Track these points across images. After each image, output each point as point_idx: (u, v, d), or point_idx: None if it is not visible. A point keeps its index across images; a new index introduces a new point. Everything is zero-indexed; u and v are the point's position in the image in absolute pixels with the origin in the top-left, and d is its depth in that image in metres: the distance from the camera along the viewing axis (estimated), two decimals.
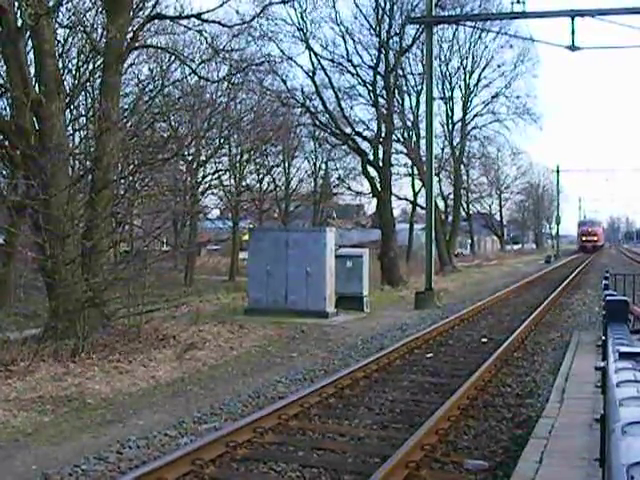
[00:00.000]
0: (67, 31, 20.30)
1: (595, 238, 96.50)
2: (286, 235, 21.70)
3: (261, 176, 41.51)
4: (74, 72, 21.24)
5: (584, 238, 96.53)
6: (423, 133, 37.56)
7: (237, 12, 23.69)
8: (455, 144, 52.35)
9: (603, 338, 5.86)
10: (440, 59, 47.16)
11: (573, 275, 38.84)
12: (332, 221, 52.43)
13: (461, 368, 13.06)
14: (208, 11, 18.67)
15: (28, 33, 15.53)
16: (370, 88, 36.11)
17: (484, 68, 51.21)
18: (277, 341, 16.81)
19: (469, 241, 78.48)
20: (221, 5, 18.93)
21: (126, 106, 22.20)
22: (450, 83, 51.36)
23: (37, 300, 18.24)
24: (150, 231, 17.63)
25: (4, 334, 14.14)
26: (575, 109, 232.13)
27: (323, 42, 35.45)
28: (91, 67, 20.86)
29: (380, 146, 35.56)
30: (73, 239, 14.71)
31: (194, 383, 12.22)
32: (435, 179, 33.34)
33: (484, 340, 16.59)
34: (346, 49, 35.45)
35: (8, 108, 18.61)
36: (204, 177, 34.39)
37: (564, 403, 9.40)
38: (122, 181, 17.17)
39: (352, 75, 36.13)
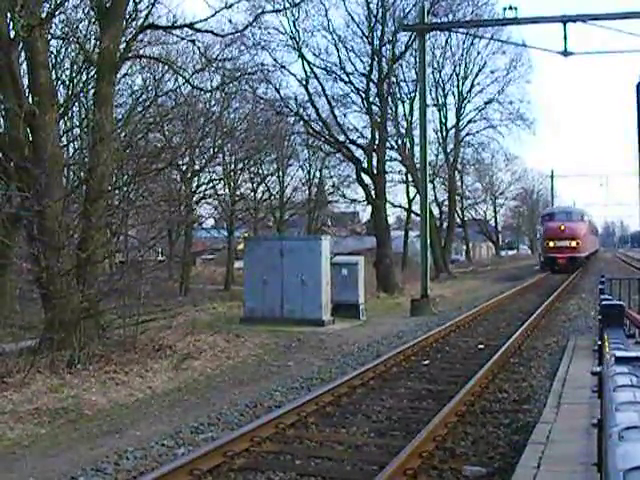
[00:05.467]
0: (60, 42, 20.39)
1: (573, 243, 49.79)
2: (281, 244, 21.71)
3: (255, 185, 41.55)
4: (67, 83, 21.32)
5: (551, 243, 50.20)
6: (417, 140, 37.66)
7: (230, 21, 23.91)
8: (449, 151, 52.48)
9: (599, 343, 5.87)
10: (433, 66, 47.22)
11: (568, 280, 38.82)
12: (327, 229, 52.45)
13: (458, 374, 13.04)
14: (201, 21, 18.68)
15: (21, 44, 15.52)
16: (363, 96, 36.19)
17: (477, 74, 51.42)
18: (273, 350, 16.79)
19: (464, 247, 78.50)
20: (214, 15, 18.96)
21: (120, 116, 22.26)
22: (443, 90, 51.55)
23: (33, 311, 18.18)
24: (145, 241, 17.61)
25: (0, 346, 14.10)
26: (569, 114, 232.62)
27: (316, 50, 35.59)
28: (84, 78, 20.95)
29: (374, 153, 35.61)
30: (68, 250, 14.68)
31: (191, 393, 12.20)
32: (429, 186, 33.34)
33: (481, 346, 16.58)
34: (339, 57, 35.59)
35: (2, 120, 18.60)
36: (198, 186, 34.43)
37: (561, 408, 9.39)
38: (116, 191, 17.16)
39: (345, 83, 36.25)
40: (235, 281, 36.05)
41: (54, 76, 19.25)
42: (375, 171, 35.34)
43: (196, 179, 33.91)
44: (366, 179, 36.02)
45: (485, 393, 11.47)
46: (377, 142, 35.62)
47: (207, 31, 19.58)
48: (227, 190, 37.31)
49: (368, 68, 35.51)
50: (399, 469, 7.33)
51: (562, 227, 50.13)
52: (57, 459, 8.46)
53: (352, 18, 35.51)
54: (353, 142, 36.40)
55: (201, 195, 35.01)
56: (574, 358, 13.63)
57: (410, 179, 44.60)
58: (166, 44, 24.55)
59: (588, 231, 55.32)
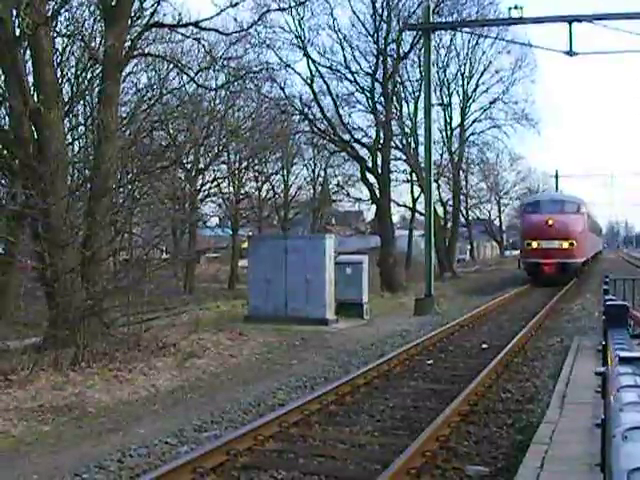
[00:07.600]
0: (65, 40, 20.37)
1: (565, 244, 36.74)
2: (285, 242, 21.70)
3: (260, 183, 41.61)
4: (72, 81, 21.31)
5: (535, 244, 37.35)
6: (422, 139, 37.60)
7: (235, 20, 23.83)
8: (454, 150, 52.41)
9: (603, 343, 5.87)
10: (438, 65, 47.25)
11: (572, 281, 38.59)
12: (331, 228, 52.47)
13: (461, 374, 13.04)
14: (206, 19, 18.67)
15: (26, 42, 15.54)
16: (368, 95, 36.25)
17: (482, 74, 51.40)
18: (277, 348, 16.79)
19: (468, 247, 78.42)
20: (219, 13, 18.94)
21: (125, 114, 22.24)
22: (448, 89, 51.50)
23: (37, 309, 18.21)
24: (149, 239, 17.62)
25: (4, 343, 14.11)
26: (574, 114, 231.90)
27: (321, 49, 35.70)
28: (89, 76, 20.94)
29: (379, 153, 35.63)
30: (72, 248, 14.70)
31: (194, 391, 12.20)
32: (434, 185, 33.33)
33: (484, 346, 16.57)
34: (344, 56, 35.65)
35: (7, 117, 18.63)
36: (203, 185, 34.47)
37: (565, 408, 9.38)
38: (121, 189, 17.17)
39: (350, 82, 36.31)
40: (239, 280, 36.07)
41: (59, 74, 19.24)
42: (380, 170, 35.36)
43: (200, 177, 33.96)
44: (371, 178, 36.06)
45: (488, 393, 11.46)
46: (382, 141, 35.63)
47: (212, 29, 19.60)
48: (231, 188, 37.36)
49: (373, 67, 35.58)
50: (402, 468, 7.32)
51: (550, 222, 36.81)
52: (60, 456, 8.47)
53: (357, 17, 35.61)
54: (358, 141, 36.43)
55: (205, 193, 35.06)
56: (578, 358, 13.61)
57: (415, 178, 44.55)
58: (171, 42, 24.60)
59: (587, 227, 41.09)
